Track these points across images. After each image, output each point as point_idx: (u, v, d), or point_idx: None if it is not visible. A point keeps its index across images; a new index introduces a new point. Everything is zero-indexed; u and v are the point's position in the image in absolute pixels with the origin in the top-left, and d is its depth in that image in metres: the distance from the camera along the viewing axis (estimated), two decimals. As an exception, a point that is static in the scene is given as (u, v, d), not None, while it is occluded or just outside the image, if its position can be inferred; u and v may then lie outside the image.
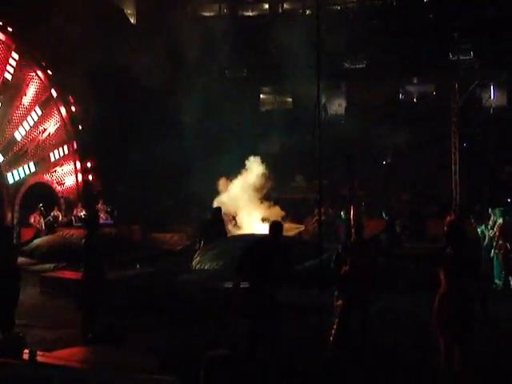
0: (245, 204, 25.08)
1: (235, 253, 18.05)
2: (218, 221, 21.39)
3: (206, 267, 18.14)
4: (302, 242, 22.56)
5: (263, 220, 23.93)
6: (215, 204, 23.68)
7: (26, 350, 5.98)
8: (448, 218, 7.39)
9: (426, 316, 7.96)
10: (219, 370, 4.22)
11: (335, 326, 9.66)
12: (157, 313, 12.70)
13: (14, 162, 27.49)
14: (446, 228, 7.64)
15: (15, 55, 27.55)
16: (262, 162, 26.41)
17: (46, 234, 25.52)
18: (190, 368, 5.67)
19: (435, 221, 23.38)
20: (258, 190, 25.48)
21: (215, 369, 4.21)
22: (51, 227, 26.45)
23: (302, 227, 25.45)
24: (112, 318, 11.03)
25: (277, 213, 24.54)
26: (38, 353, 6.00)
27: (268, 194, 27.43)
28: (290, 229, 24.50)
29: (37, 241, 24.32)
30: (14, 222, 26.30)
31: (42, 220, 26.60)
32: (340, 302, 9.73)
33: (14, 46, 27.42)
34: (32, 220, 26.43)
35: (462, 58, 32.14)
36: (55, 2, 27.39)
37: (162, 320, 12.40)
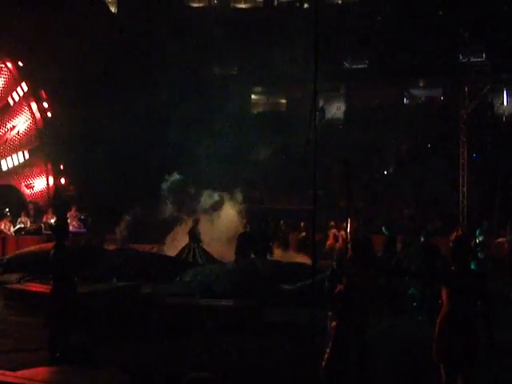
0: None
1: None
2: (264, 235, 21.84)
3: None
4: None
5: None
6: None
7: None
8: (454, 234, 7.41)
9: (428, 341, 7.92)
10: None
11: (328, 350, 9.64)
12: (131, 329, 12.70)
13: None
14: (451, 244, 7.65)
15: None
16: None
17: None
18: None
19: (440, 238, 23.46)
20: None
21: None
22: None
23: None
24: (83, 336, 11.04)
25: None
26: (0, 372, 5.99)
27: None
28: None
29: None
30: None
31: (12, 227, 26.46)
32: (334, 322, 9.72)
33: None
34: (2, 226, 26.26)
35: (472, 59, 32.28)
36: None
37: (137, 338, 12.38)
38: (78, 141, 29.13)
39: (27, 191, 30.09)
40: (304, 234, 26.52)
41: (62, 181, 31.24)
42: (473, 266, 17.40)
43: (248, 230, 22.51)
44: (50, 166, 30.88)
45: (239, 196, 27.21)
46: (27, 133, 29.89)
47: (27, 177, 30.12)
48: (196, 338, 12.33)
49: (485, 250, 17.46)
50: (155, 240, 26.20)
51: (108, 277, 18.61)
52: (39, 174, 30.65)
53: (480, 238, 17.18)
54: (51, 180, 31.07)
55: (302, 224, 26.95)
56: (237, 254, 21.93)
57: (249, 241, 21.87)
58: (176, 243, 25.06)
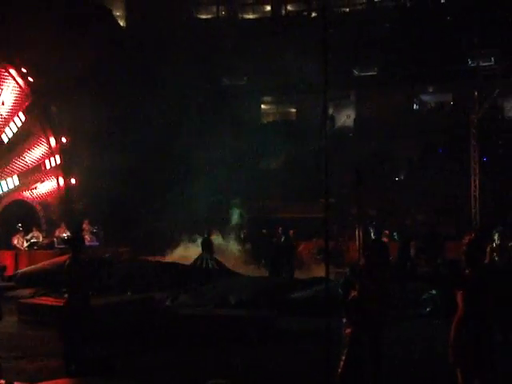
0: None
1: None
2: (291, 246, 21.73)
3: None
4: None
5: None
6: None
7: (2, 381, 5.97)
8: (468, 237, 7.41)
9: (443, 345, 7.88)
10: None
11: (343, 357, 9.63)
12: (147, 341, 12.71)
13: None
14: (465, 247, 7.63)
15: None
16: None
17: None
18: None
19: (453, 243, 23.38)
20: None
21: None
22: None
23: None
24: (99, 348, 11.06)
25: None
26: (17, 384, 6.01)
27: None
28: None
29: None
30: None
31: (25, 242, 26.53)
32: (348, 330, 9.71)
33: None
34: (15, 242, 26.33)
35: (482, 64, 32.26)
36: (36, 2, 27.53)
37: (152, 349, 12.39)
38: (89, 153, 29.21)
39: (39, 205, 30.12)
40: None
41: (74, 194, 31.31)
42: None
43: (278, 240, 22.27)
44: (61, 180, 30.97)
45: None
46: (38, 147, 29.98)
47: (39, 191, 30.17)
48: (212, 348, 12.34)
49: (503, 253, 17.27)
50: (163, 251, 26.36)
51: (122, 288, 18.67)
52: (51, 188, 30.70)
53: (498, 242, 17.01)
54: (63, 193, 31.13)
55: (292, 232, 26.69)
56: (273, 270, 21.62)
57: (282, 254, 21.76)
58: (186, 254, 25.27)
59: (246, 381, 9.80)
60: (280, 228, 25.71)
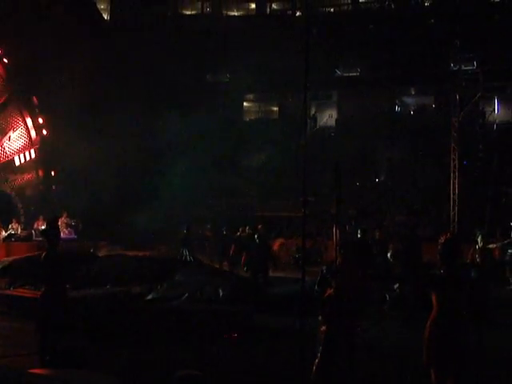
0: None
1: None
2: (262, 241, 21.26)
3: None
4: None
5: None
6: None
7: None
8: (443, 237, 7.46)
9: (418, 345, 7.92)
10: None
11: (319, 355, 9.66)
12: (124, 334, 12.70)
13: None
14: (440, 247, 7.66)
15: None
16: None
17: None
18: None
19: (430, 245, 23.45)
20: None
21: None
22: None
23: None
24: (75, 340, 11.05)
25: None
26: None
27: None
28: None
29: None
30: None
31: (3, 233, 26.44)
32: (324, 328, 9.75)
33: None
34: (-6, 233, 26.28)
35: (464, 67, 32.42)
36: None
37: (129, 342, 12.39)
38: (69, 147, 29.09)
39: (18, 198, 29.95)
40: None
41: (54, 187, 31.18)
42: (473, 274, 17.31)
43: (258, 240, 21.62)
44: (41, 173, 30.83)
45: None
46: (18, 139, 29.81)
47: (18, 183, 30.02)
48: (187, 342, 12.36)
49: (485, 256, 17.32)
50: (142, 246, 26.31)
51: (101, 282, 18.61)
52: (30, 181, 30.56)
53: (480, 244, 17.06)
54: (42, 186, 30.99)
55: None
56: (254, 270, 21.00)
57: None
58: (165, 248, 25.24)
59: (219, 374, 9.83)
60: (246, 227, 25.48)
